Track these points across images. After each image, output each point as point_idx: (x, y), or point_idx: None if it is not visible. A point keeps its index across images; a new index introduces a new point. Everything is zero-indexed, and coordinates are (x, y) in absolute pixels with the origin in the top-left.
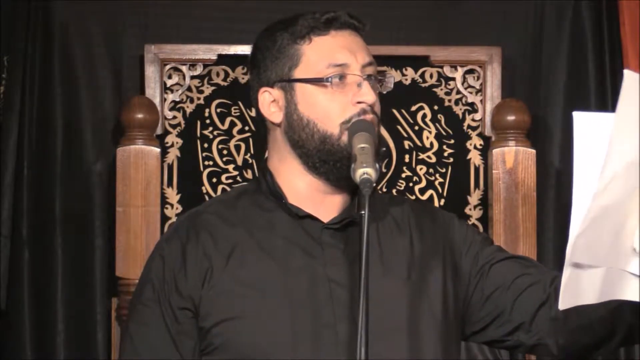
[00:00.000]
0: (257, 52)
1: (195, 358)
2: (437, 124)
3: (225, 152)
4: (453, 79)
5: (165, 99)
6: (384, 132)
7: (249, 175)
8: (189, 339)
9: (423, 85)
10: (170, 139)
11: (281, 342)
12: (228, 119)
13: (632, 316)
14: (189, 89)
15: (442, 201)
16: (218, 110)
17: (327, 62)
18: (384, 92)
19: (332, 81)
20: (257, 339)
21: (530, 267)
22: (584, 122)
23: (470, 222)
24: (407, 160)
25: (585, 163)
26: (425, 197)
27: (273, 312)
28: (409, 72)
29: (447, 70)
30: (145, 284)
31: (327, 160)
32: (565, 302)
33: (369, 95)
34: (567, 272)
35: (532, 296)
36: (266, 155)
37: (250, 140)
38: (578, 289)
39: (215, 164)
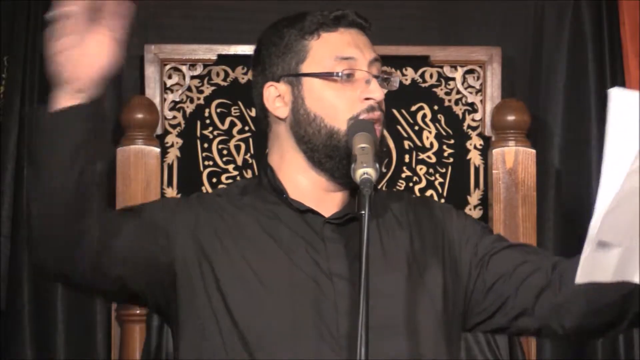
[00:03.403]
0: (263, 48)
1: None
2: (437, 124)
3: (225, 152)
4: (453, 79)
5: (165, 99)
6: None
7: (248, 175)
8: (133, 220)
9: (423, 85)
10: (170, 139)
11: (283, 335)
12: (228, 119)
13: None
14: (189, 89)
15: (442, 201)
16: (218, 110)
17: (335, 55)
18: (389, 91)
19: (341, 76)
20: (259, 331)
21: (530, 253)
22: (620, 100)
23: None
24: (407, 160)
25: (617, 141)
26: None
27: (275, 304)
28: (409, 72)
29: (447, 70)
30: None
31: (333, 156)
32: (582, 277)
33: (377, 92)
34: (587, 247)
35: (534, 282)
36: (266, 151)
37: (250, 140)
38: (595, 266)
39: (215, 164)
